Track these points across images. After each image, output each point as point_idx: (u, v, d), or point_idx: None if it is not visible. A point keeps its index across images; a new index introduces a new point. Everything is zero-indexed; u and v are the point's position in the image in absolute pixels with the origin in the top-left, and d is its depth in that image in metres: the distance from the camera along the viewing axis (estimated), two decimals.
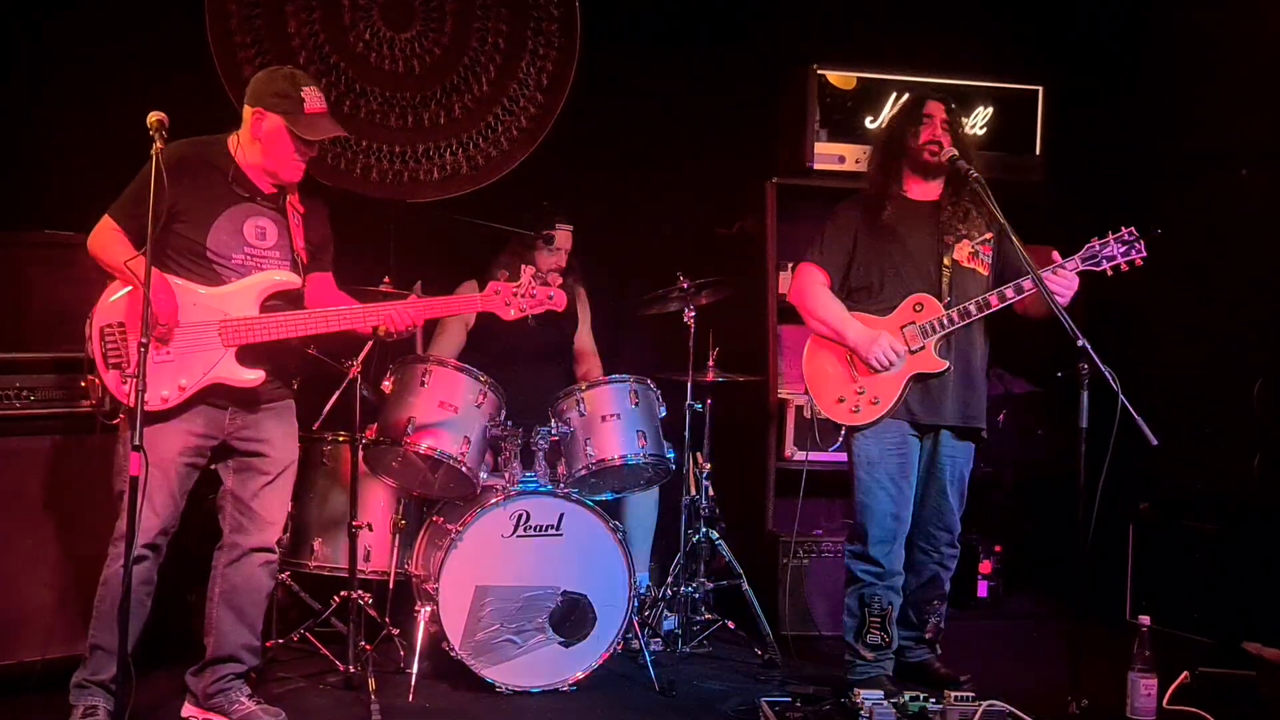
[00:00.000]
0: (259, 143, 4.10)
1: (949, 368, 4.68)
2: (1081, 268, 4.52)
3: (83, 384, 4.37)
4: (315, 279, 4.34)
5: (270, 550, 4.26)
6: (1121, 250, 4.48)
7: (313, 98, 4.11)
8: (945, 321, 4.65)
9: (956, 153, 4.68)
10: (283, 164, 4.12)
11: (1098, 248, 4.51)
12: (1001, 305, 4.61)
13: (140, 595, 3.99)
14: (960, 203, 4.74)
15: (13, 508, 4.42)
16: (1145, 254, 4.47)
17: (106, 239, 3.99)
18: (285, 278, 4.15)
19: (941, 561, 4.93)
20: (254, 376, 4.07)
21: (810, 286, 4.87)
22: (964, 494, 4.90)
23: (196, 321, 3.99)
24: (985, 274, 4.78)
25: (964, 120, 5.44)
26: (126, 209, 3.99)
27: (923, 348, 4.67)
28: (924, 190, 4.84)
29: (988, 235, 4.78)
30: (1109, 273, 4.50)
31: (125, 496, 3.92)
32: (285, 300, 4.17)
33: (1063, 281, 4.52)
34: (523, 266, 4.45)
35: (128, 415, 3.95)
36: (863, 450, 4.78)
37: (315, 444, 5.13)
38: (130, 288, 3.94)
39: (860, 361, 4.73)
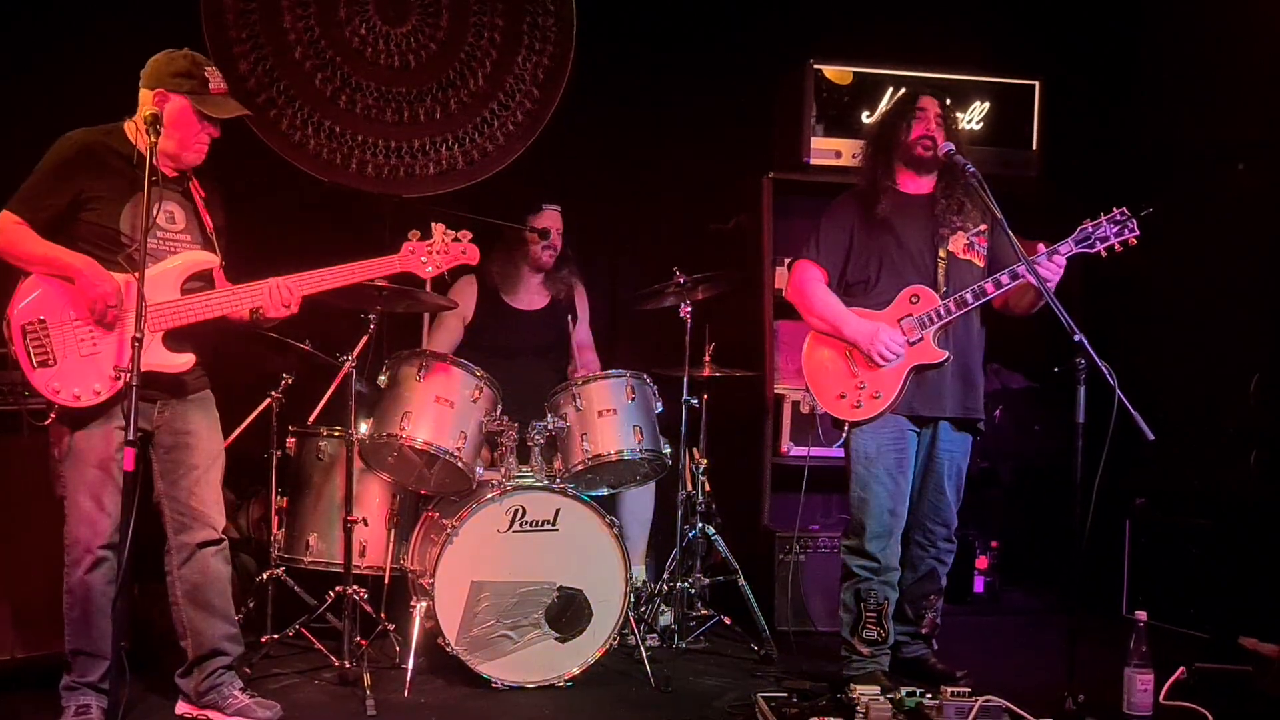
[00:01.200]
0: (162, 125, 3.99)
1: (948, 358, 4.67)
2: (1075, 250, 4.51)
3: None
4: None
5: (218, 540, 4.18)
6: (1114, 231, 4.46)
7: (215, 77, 4.07)
8: (942, 312, 4.64)
9: (954, 147, 4.68)
10: (186, 146, 4.06)
11: (1090, 229, 4.49)
12: (998, 292, 4.61)
13: (110, 595, 3.91)
14: (954, 195, 4.74)
15: None
16: (1138, 233, 4.45)
17: (14, 235, 3.89)
18: (206, 256, 4.11)
19: (938, 557, 4.93)
20: (184, 360, 4.02)
21: (807, 284, 4.87)
22: (961, 489, 4.90)
23: (120, 309, 3.92)
24: (981, 265, 4.78)
25: (958, 116, 5.43)
26: (30, 202, 3.91)
27: (921, 339, 4.67)
28: (918, 184, 4.85)
29: (982, 227, 4.78)
30: (1103, 254, 4.48)
31: (65, 502, 3.92)
32: (204, 282, 4.12)
33: (1053, 268, 4.52)
34: (432, 224, 4.41)
35: (59, 416, 3.92)
36: (860, 445, 4.78)
37: (311, 439, 5.13)
38: (38, 291, 3.88)
39: (860, 356, 4.72)
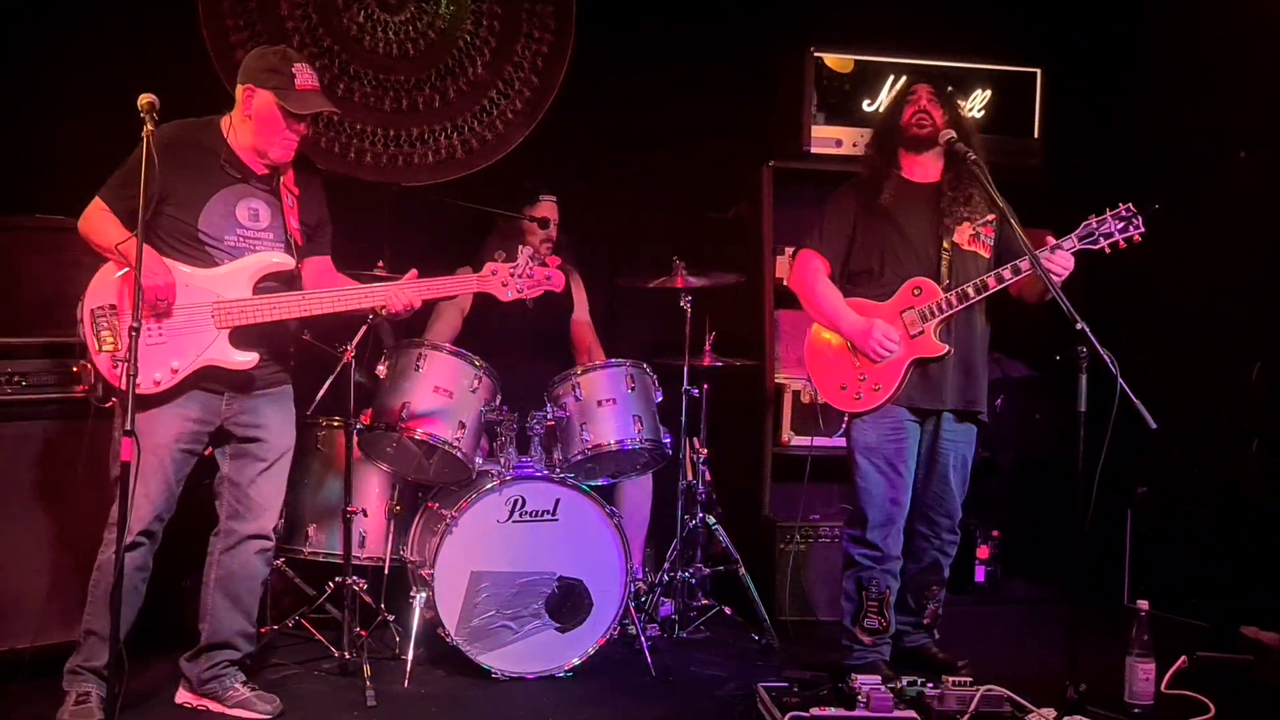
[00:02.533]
0: (250, 120, 4.06)
1: (949, 351, 4.65)
2: (1079, 246, 4.47)
3: (75, 369, 4.39)
4: (313, 262, 4.33)
5: (266, 537, 4.25)
6: (1119, 227, 4.42)
7: (304, 74, 4.08)
8: (944, 305, 4.62)
9: (954, 135, 4.65)
10: (273, 142, 4.08)
11: (1095, 225, 4.46)
12: (999, 286, 4.59)
13: (135, 581, 4.00)
14: (961, 185, 4.71)
15: (4, 494, 4.40)
16: (1143, 230, 4.41)
17: (97, 221, 3.97)
18: (279, 259, 4.13)
19: (941, 548, 4.92)
20: (247, 359, 4.05)
21: (808, 275, 4.86)
22: (966, 480, 4.89)
23: (189, 303, 3.97)
24: (987, 256, 4.76)
25: (961, 103, 5.40)
26: (116, 190, 3.97)
27: (922, 332, 4.65)
28: (923, 171, 4.81)
29: (989, 217, 4.75)
30: (1106, 250, 4.45)
31: (115, 482, 3.91)
32: (279, 282, 4.15)
33: (1060, 261, 4.47)
34: (519, 248, 4.43)
35: (120, 400, 3.93)
36: (860, 436, 4.77)
37: (310, 429, 5.11)
38: (123, 270, 3.92)
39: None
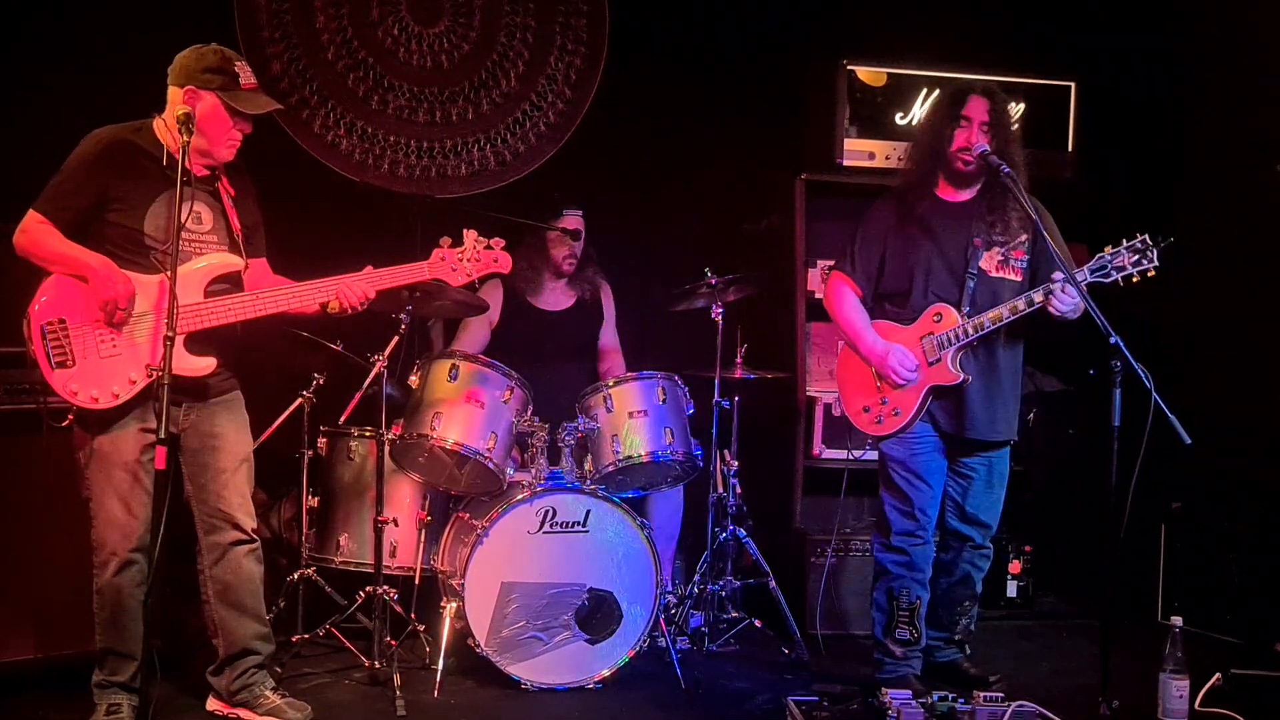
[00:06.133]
0: None
1: (965, 379, 4.61)
2: (1090, 280, 4.37)
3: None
4: (253, 264, 4.23)
5: (249, 539, 4.18)
6: (1132, 260, 4.32)
7: (245, 72, 4.03)
8: (960, 334, 4.57)
9: (988, 147, 4.57)
10: (218, 143, 4.03)
11: (1108, 258, 4.36)
12: (1014, 318, 4.51)
13: (139, 597, 3.93)
14: (995, 208, 4.63)
15: None
16: (1157, 264, 4.30)
17: (38, 234, 3.86)
18: (231, 260, 4.09)
19: (973, 561, 4.89)
20: (205, 364, 4.00)
21: (836, 298, 4.85)
22: (1000, 493, 4.85)
23: (141, 311, 3.90)
24: (1018, 279, 4.67)
25: (1010, 109, 4.98)
26: (55, 201, 3.88)
27: (939, 360, 4.62)
28: (958, 193, 4.76)
29: (1023, 238, 4.66)
30: (1120, 283, 4.36)
31: (91, 505, 3.92)
32: (228, 284, 4.10)
33: (1067, 300, 4.40)
34: (464, 230, 4.36)
35: (78, 418, 3.91)
36: (889, 449, 4.77)
37: (341, 439, 5.14)
38: (64, 285, 3.86)
39: None
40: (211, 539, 4.15)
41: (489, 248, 4.34)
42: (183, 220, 3.83)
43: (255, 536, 4.22)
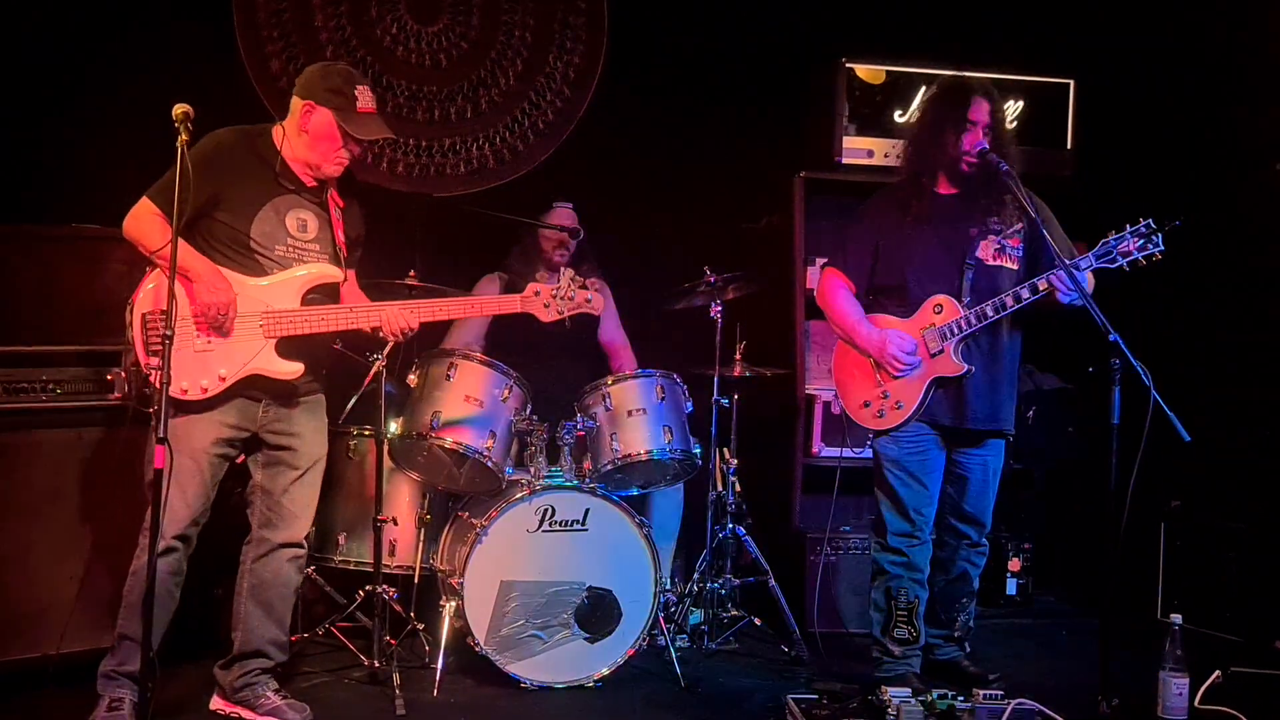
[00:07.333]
0: (305, 135, 4.09)
1: (968, 370, 4.60)
2: (1096, 265, 4.37)
3: (109, 377, 4.42)
4: (349, 276, 4.35)
5: (299, 545, 4.27)
6: (1137, 245, 4.30)
7: (365, 97, 4.12)
8: (963, 324, 4.57)
9: (987, 145, 4.57)
10: (327, 159, 4.12)
11: (1112, 242, 4.34)
12: (1017, 306, 4.50)
13: (169, 586, 4.02)
14: (991, 198, 4.64)
15: (39, 500, 4.43)
16: (1163, 248, 4.28)
17: (145, 223, 3.94)
18: (331, 271, 4.17)
19: (970, 559, 4.89)
20: (293, 369, 4.08)
21: (830, 292, 4.85)
22: (994, 490, 4.85)
23: (239, 312, 4.00)
24: (1014, 269, 4.69)
25: (1004, 107, 5.05)
26: (166, 193, 3.90)
27: (942, 351, 4.61)
28: (954, 186, 4.74)
29: (1018, 226, 4.67)
30: (1126, 269, 4.34)
31: (147, 486, 3.93)
32: (324, 294, 4.18)
33: (1072, 283, 4.42)
34: (562, 269, 4.43)
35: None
36: (885, 448, 4.76)
37: (340, 438, 5.13)
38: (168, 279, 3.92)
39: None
40: (263, 533, 4.23)
41: (584, 287, 4.39)
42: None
43: (304, 544, 4.30)
